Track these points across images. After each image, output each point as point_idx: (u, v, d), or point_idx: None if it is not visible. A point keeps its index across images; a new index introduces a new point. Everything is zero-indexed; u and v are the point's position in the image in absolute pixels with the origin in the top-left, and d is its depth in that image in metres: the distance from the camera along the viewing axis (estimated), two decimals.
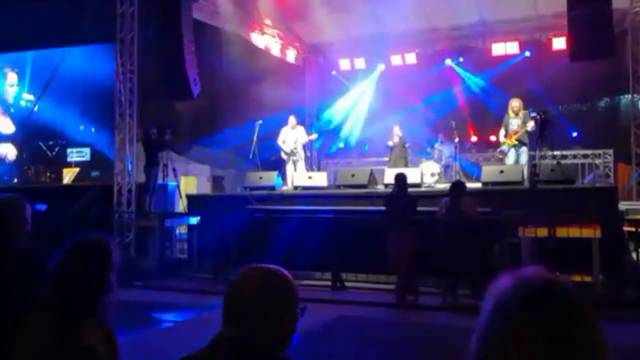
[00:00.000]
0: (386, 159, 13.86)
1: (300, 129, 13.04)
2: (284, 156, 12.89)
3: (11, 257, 2.73)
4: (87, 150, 15.68)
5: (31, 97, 16.82)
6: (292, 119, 12.91)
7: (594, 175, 12.45)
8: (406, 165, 12.62)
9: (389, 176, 11.12)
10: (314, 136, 13.89)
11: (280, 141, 12.83)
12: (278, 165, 12.85)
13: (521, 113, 11.26)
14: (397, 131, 13.19)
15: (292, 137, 12.83)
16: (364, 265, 9.28)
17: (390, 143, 13.26)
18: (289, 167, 12.84)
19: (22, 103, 16.84)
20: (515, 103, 11.43)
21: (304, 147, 13.17)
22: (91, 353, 2.02)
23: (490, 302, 1.05)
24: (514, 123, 11.28)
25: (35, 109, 16.52)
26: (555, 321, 0.98)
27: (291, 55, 15.52)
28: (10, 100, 17.15)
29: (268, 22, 14.46)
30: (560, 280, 1.05)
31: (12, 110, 17.14)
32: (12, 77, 17.20)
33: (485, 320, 1.04)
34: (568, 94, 13.45)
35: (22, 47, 14.91)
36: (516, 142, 11.23)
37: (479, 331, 1.05)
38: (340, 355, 6.02)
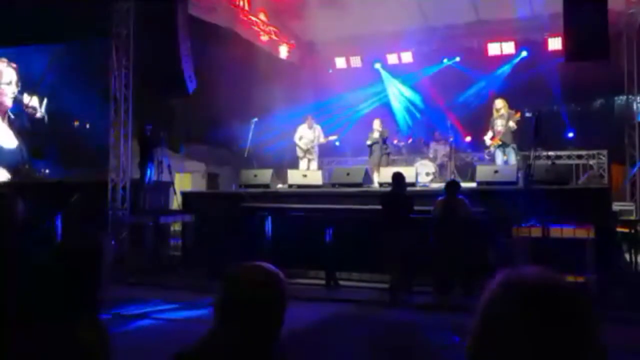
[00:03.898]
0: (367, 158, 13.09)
1: (318, 129, 13.02)
2: (299, 153, 12.86)
3: (2, 256, 2.70)
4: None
5: (35, 102, 14.39)
6: (309, 118, 12.91)
7: (590, 175, 12.46)
8: (388, 164, 12.23)
9: (381, 175, 11.09)
10: (334, 137, 13.59)
11: (297, 138, 12.83)
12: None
13: (505, 112, 11.20)
14: (377, 126, 12.68)
15: (310, 136, 12.80)
16: (358, 263, 9.28)
17: (369, 142, 12.68)
18: (303, 165, 12.83)
19: (25, 108, 14.49)
20: (498, 101, 11.41)
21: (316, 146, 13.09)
22: (86, 351, 2.00)
23: (487, 302, 1.05)
24: (499, 123, 11.26)
25: (40, 114, 14.24)
26: (553, 321, 0.98)
27: (287, 53, 15.50)
28: (9, 102, 14.55)
29: (264, 19, 14.44)
30: (559, 280, 1.04)
31: (11, 116, 14.42)
32: (8, 73, 14.73)
33: (482, 320, 1.04)
34: (563, 94, 13.49)
35: (16, 42, 14.75)
36: (500, 142, 11.22)
37: (475, 331, 1.05)
38: (334, 354, 6.01)
